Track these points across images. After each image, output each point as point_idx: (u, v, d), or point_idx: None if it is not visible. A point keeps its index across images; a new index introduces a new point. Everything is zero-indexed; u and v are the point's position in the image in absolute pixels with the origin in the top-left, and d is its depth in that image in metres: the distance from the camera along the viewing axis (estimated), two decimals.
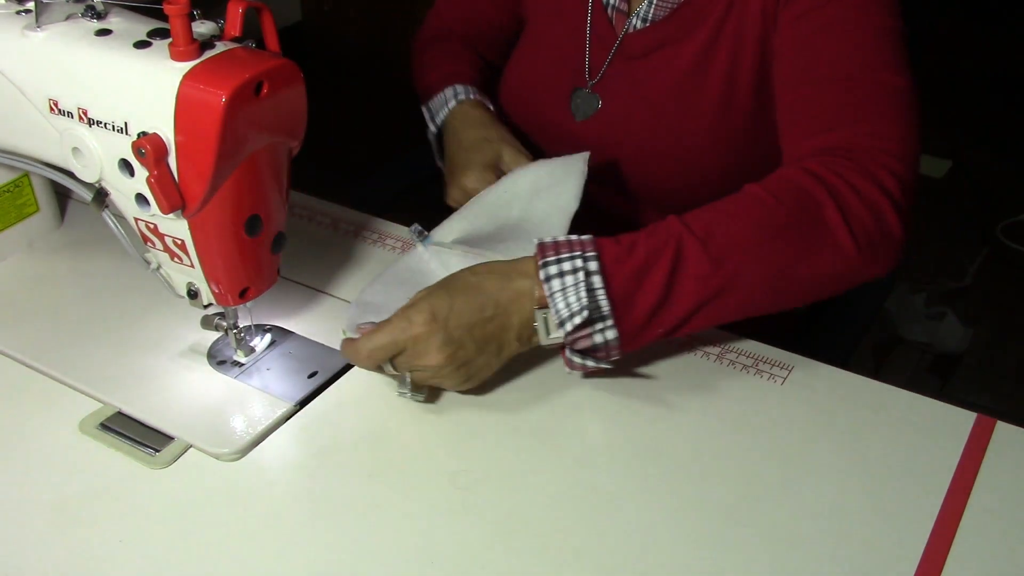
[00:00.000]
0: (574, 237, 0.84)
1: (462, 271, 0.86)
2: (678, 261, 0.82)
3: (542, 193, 0.98)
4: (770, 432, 0.84)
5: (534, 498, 0.78)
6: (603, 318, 0.82)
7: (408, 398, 0.85)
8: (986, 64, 3.35)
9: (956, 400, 0.87)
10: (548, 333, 0.83)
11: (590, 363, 0.84)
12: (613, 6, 1.08)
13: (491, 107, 1.13)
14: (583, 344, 0.83)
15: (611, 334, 0.82)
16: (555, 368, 0.91)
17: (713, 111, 1.05)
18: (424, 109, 1.16)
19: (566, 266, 0.82)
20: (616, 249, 0.83)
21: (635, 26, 1.07)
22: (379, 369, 0.85)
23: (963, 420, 0.85)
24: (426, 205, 1.43)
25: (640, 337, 0.84)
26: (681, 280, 0.82)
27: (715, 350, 0.93)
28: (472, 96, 1.12)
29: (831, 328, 1.05)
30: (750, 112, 1.04)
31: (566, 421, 0.86)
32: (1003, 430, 0.84)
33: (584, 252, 0.82)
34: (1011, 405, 2.12)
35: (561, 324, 0.81)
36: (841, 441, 0.83)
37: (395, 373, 0.85)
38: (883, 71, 0.92)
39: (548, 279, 0.82)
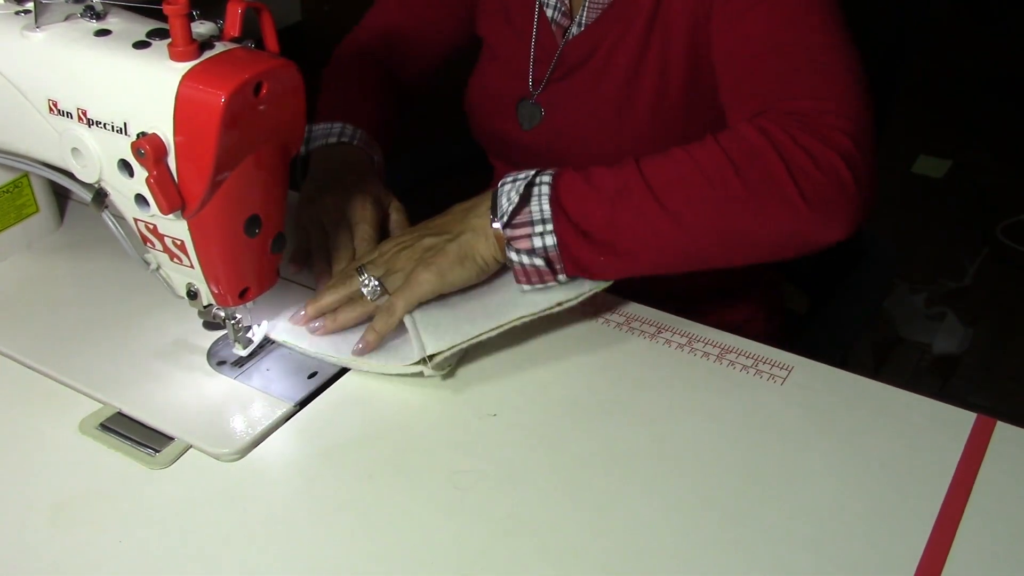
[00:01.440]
0: None
1: None
2: (624, 190, 0.88)
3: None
4: (770, 432, 0.84)
5: (534, 498, 0.78)
6: (543, 221, 0.88)
7: (377, 299, 0.91)
8: (986, 64, 3.35)
9: (956, 400, 0.87)
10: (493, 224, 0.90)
11: (527, 260, 0.88)
12: (556, 21, 1.10)
13: (376, 157, 1.12)
14: (523, 244, 0.89)
15: (550, 240, 0.88)
16: (554, 368, 0.91)
17: (648, 111, 1.06)
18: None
19: (520, 176, 0.90)
20: (572, 173, 0.90)
21: (573, 33, 1.09)
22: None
23: (963, 420, 0.85)
24: (426, 204, 1.43)
25: (583, 258, 0.89)
26: (622, 208, 0.88)
27: (715, 350, 0.93)
28: (355, 142, 1.11)
29: (831, 328, 1.05)
30: (683, 108, 1.06)
31: (565, 421, 0.86)
32: (1003, 430, 0.84)
33: (541, 170, 0.90)
34: (1011, 405, 2.12)
35: (501, 217, 0.89)
36: (841, 441, 0.83)
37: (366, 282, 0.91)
38: (817, 33, 0.93)
39: (502, 185, 0.90)
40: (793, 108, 0.90)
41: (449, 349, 0.87)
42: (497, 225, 0.89)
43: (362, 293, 0.91)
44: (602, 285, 0.92)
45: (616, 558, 0.73)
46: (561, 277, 0.90)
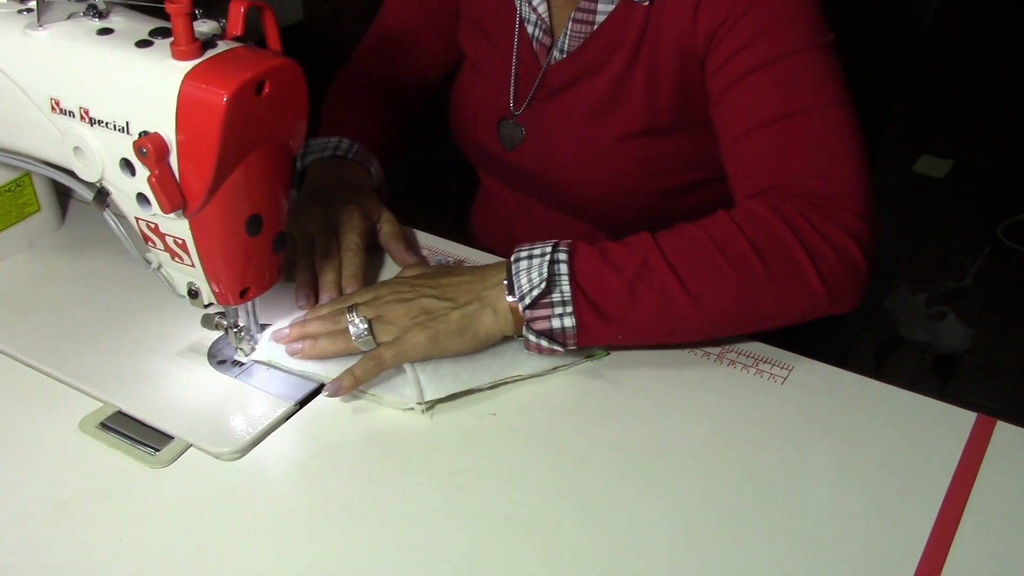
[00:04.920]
0: (552, 240, 0.89)
1: None
2: (643, 271, 0.86)
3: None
4: (770, 432, 0.84)
5: (533, 498, 0.78)
6: (563, 303, 0.86)
7: (361, 340, 0.88)
8: (986, 64, 3.35)
9: (956, 400, 0.87)
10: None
11: (544, 343, 0.87)
12: (538, 39, 1.09)
13: (371, 169, 1.12)
14: (541, 326, 0.86)
15: (569, 322, 0.86)
16: (553, 368, 0.91)
17: (632, 140, 1.05)
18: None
19: (536, 251, 0.88)
20: (586, 249, 0.88)
21: (555, 58, 1.08)
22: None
23: (963, 420, 0.85)
24: (426, 205, 1.43)
25: (597, 335, 0.88)
26: (644, 290, 0.86)
27: (715, 350, 0.93)
28: (351, 155, 1.11)
29: (831, 328, 1.05)
30: (673, 137, 1.05)
31: (565, 421, 0.86)
32: (1003, 430, 0.84)
33: (557, 246, 0.88)
34: (1012, 405, 2.12)
35: (521, 299, 0.86)
36: (841, 441, 0.83)
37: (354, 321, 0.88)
38: (822, 107, 0.92)
39: (517, 261, 0.88)
40: (803, 189, 0.91)
41: (447, 396, 0.87)
42: (516, 302, 0.87)
43: (347, 331, 0.88)
44: (599, 355, 0.92)
45: (616, 558, 0.73)
46: (570, 347, 0.88)
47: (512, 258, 0.89)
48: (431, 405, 0.86)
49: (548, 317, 0.86)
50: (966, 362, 2.25)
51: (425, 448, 0.83)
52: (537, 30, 1.08)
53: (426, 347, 0.87)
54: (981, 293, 2.45)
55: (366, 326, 0.88)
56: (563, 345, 0.87)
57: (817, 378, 0.90)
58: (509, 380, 0.89)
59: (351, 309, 0.89)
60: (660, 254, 0.87)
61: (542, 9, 1.07)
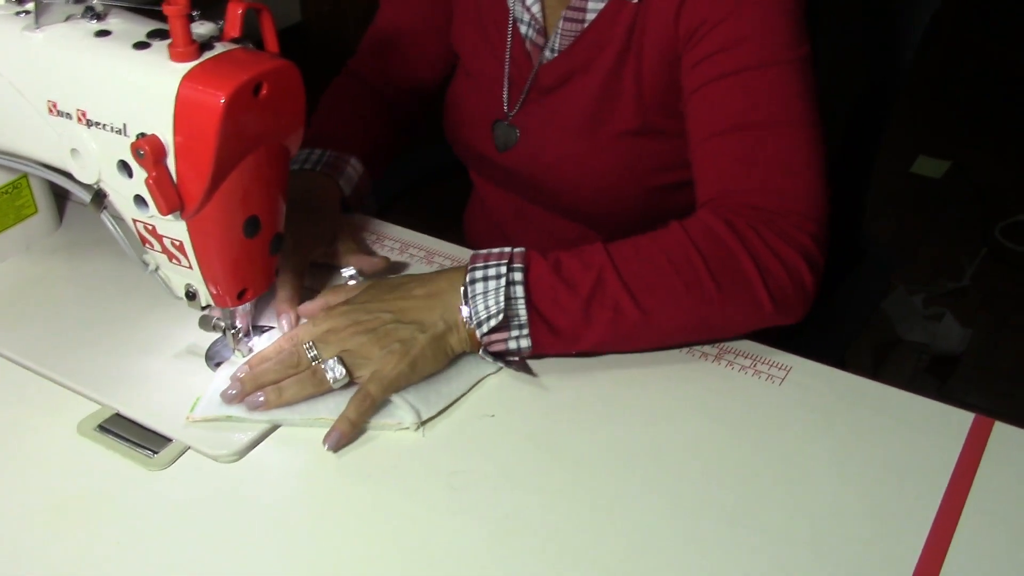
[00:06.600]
0: (506, 248, 0.89)
1: None
2: (598, 290, 0.87)
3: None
4: (769, 432, 0.84)
5: (532, 498, 0.78)
6: (520, 326, 0.87)
7: (335, 383, 0.84)
8: (985, 65, 3.35)
9: (954, 400, 0.87)
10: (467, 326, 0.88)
11: (501, 363, 0.88)
12: (531, 39, 1.09)
13: (343, 186, 1.09)
14: (497, 348, 0.88)
15: (524, 343, 0.87)
16: (551, 368, 0.91)
17: (624, 138, 1.06)
18: None
19: (491, 272, 0.88)
20: (542, 265, 0.88)
21: (547, 57, 1.08)
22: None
23: (961, 420, 0.85)
24: (423, 206, 1.43)
25: (549, 350, 0.89)
26: (597, 309, 0.87)
27: (714, 350, 0.93)
28: (318, 168, 1.09)
29: (829, 328, 1.06)
30: (665, 135, 1.05)
31: (564, 421, 0.86)
32: (1001, 430, 0.84)
33: (511, 263, 0.87)
34: (1009, 405, 2.12)
35: (478, 326, 0.86)
36: (840, 441, 0.83)
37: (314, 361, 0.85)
38: (788, 123, 0.93)
39: (473, 282, 0.88)
40: (758, 202, 0.92)
41: (438, 413, 0.86)
42: (473, 327, 0.87)
43: (317, 373, 0.85)
44: None
45: (615, 558, 0.73)
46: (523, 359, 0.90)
47: (467, 278, 0.88)
48: (423, 423, 0.86)
49: (505, 340, 0.87)
50: (964, 362, 2.25)
51: (423, 449, 0.83)
52: (530, 30, 1.08)
53: (408, 375, 0.85)
54: (979, 294, 2.45)
55: (343, 369, 0.85)
56: (516, 360, 0.89)
57: (815, 378, 0.90)
58: (483, 379, 0.90)
59: (309, 348, 0.86)
60: (614, 270, 0.87)
61: (536, 9, 1.07)
